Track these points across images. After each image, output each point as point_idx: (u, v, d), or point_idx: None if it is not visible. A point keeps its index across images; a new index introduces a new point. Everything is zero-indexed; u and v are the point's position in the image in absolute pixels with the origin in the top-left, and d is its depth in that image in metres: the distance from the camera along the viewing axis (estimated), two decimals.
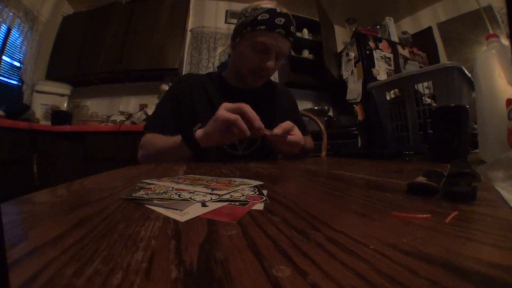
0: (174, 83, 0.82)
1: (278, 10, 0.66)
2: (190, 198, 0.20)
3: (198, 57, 2.48)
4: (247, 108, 0.52)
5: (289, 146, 0.62)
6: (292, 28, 0.68)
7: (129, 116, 2.11)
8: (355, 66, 2.25)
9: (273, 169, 0.44)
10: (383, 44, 2.26)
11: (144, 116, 2.01)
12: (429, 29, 2.57)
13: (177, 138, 0.60)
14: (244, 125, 0.50)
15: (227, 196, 0.20)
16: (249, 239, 0.12)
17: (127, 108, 2.39)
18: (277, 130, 0.58)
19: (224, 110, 0.52)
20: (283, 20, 0.65)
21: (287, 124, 0.60)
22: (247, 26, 0.67)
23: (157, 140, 0.67)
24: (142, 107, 2.31)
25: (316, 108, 2.45)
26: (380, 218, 0.15)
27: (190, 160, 0.60)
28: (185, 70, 2.45)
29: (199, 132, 0.57)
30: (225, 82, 0.80)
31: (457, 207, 0.16)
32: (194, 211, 0.16)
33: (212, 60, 2.48)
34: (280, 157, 0.81)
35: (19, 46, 2.05)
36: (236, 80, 0.79)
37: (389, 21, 2.49)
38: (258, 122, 0.51)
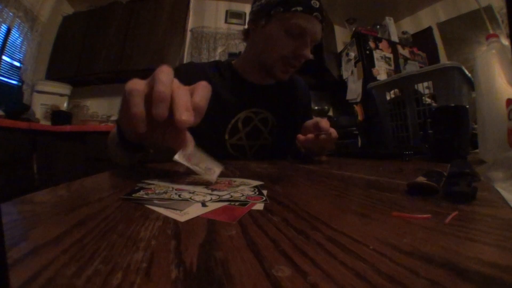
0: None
1: None
2: (190, 198, 0.20)
3: (198, 57, 2.47)
4: (163, 76, 0.26)
5: (320, 147, 0.57)
6: (324, 13, 0.60)
7: None
8: (355, 66, 2.25)
9: (273, 169, 0.44)
10: (383, 44, 2.26)
11: None
12: (429, 29, 2.57)
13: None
14: (137, 102, 0.25)
15: (227, 196, 0.20)
16: (249, 239, 0.12)
17: None
18: (309, 134, 0.54)
19: (134, 80, 0.28)
20: (318, 3, 0.57)
21: (314, 121, 0.56)
22: (277, 5, 0.57)
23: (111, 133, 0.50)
24: None
25: (316, 108, 2.45)
26: (380, 218, 0.15)
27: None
28: None
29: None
30: (237, 74, 0.69)
31: (457, 207, 0.17)
32: (194, 211, 0.16)
33: (212, 60, 2.48)
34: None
35: (19, 46, 2.05)
36: (253, 72, 0.68)
37: (389, 21, 2.49)
38: (181, 110, 0.24)
